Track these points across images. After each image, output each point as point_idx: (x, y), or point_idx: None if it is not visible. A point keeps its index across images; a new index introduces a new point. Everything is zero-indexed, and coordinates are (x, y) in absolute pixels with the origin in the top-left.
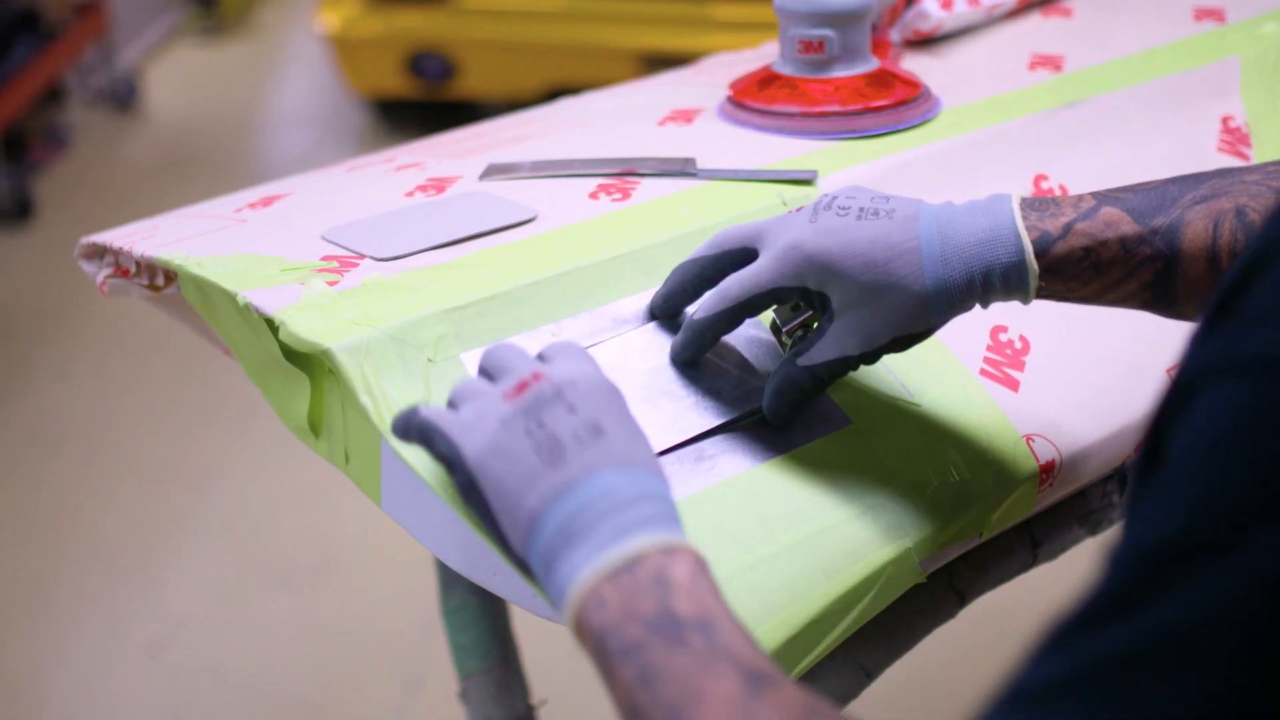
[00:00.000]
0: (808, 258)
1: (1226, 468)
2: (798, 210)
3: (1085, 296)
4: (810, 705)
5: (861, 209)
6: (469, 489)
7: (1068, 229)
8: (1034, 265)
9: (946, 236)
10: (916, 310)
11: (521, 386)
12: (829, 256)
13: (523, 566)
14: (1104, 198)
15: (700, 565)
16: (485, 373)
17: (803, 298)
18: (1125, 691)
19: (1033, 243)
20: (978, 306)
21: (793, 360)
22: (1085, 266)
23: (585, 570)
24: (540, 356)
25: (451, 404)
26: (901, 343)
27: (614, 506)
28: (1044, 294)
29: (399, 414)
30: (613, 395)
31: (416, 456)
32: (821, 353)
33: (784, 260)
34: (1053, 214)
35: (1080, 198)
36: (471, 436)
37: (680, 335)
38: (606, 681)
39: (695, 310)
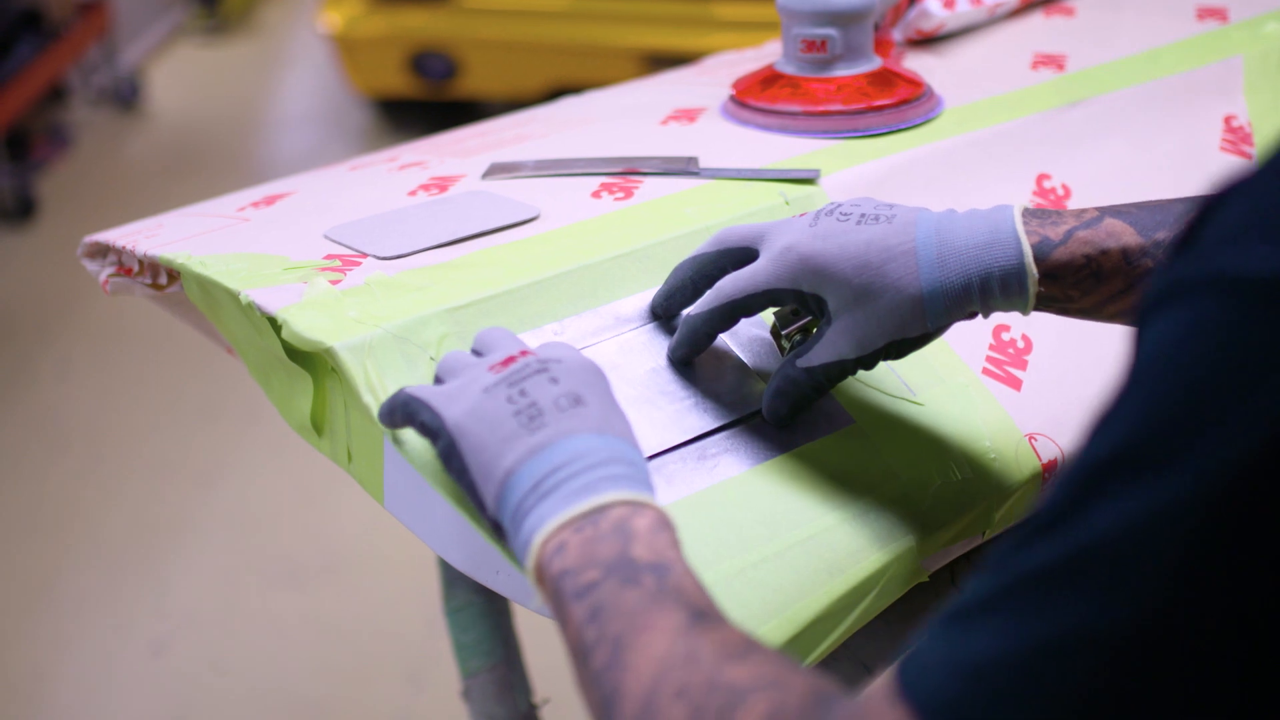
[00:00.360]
0: (802, 260)
1: (1167, 384)
2: (802, 215)
3: (1086, 308)
4: (749, 642)
5: (863, 215)
6: (449, 453)
7: (1069, 235)
8: (1033, 270)
9: (944, 240)
10: (911, 313)
11: (508, 360)
12: (823, 259)
13: (496, 528)
14: (1108, 210)
15: (662, 519)
16: (476, 352)
17: (798, 301)
18: (1051, 604)
19: (1033, 247)
20: (979, 316)
21: (792, 362)
22: (1086, 275)
23: (550, 519)
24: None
25: (438, 379)
26: (899, 347)
27: (586, 467)
28: (1044, 303)
29: (383, 402)
30: (596, 374)
31: (419, 455)
32: (818, 355)
33: (779, 262)
34: (1054, 221)
35: (1084, 209)
36: (453, 404)
37: (676, 334)
38: (561, 624)
39: (691, 308)
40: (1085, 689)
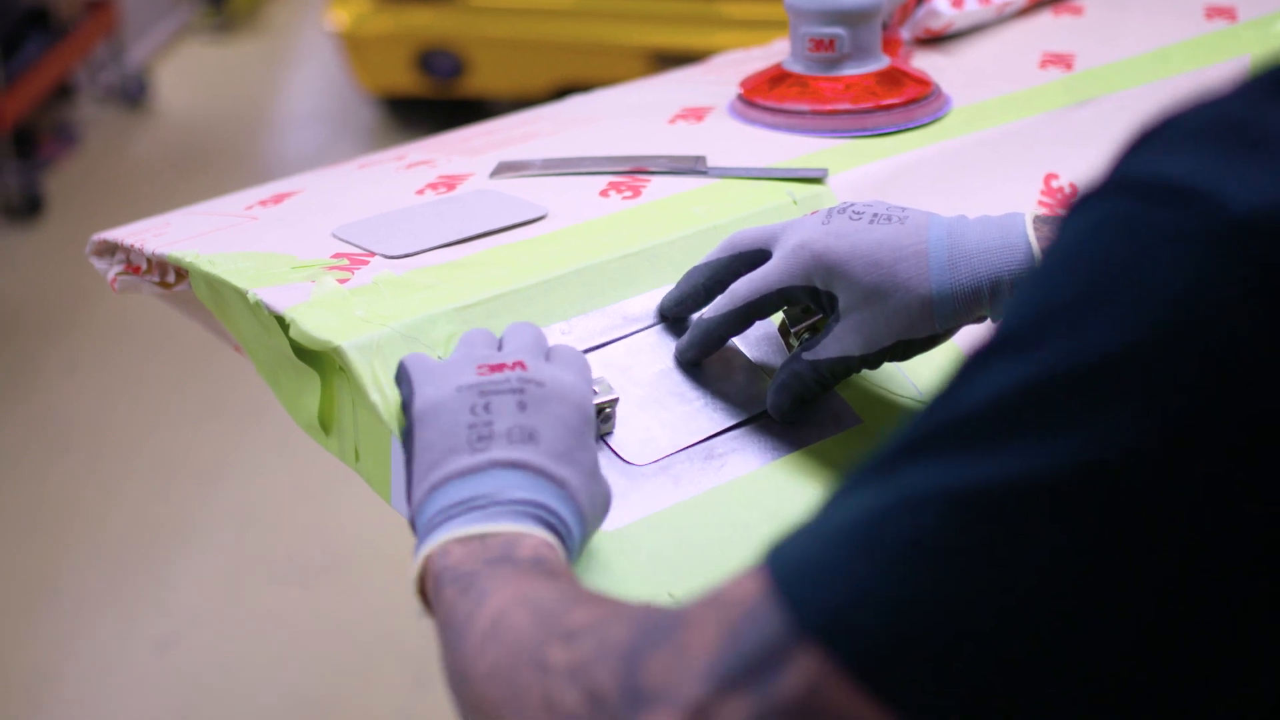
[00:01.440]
0: (816, 256)
1: (1061, 273)
2: (814, 213)
3: None
4: (597, 594)
5: (875, 215)
6: (407, 434)
7: None
8: None
9: (955, 243)
10: (919, 314)
11: (498, 367)
12: (836, 256)
13: (410, 521)
14: None
15: (549, 543)
16: (501, 340)
17: (810, 298)
18: (908, 471)
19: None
20: (989, 321)
21: (799, 355)
22: None
23: (441, 533)
24: (548, 353)
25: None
26: (905, 348)
27: (502, 501)
28: None
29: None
30: (573, 409)
31: None
32: (825, 350)
33: (792, 259)
34: None
35: None
36: (428, 387)
37: (687, 335)
38: (435, 613)
39: (705, 310)
40: (930, 540)
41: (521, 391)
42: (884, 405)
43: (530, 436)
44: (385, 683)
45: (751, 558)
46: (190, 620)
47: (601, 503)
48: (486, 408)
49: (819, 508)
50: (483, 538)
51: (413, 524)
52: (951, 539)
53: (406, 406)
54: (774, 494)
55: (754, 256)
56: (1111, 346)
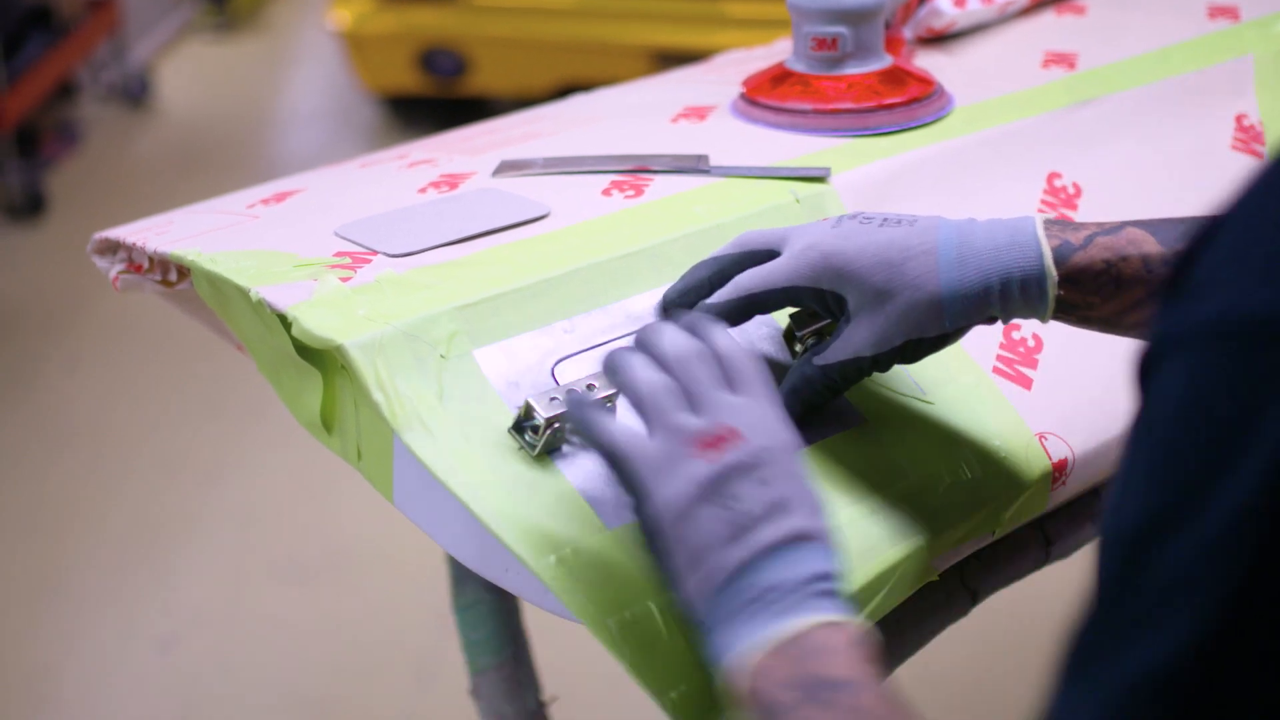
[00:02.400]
0: (824, 257)
1: (1174, 442)
2: (824, 219)
3: (1106, 316)
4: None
5: (885, 219)
6: (653, 533)
7: (1089, 240)
8: (1053, 272)
9: (965, 241)
10: (929, 313)
11: (717, 442)
12: (844, 257)
13: (691, 614)
14: (1130, 221)
15: (857, 636)
16: (659, 360)
17: (817, 302)
18: (1117, 668)
19: (1053, 250)
20: (999, 321)
21: (809, 359)
22: (1105, 280)
23: (755, 644)
24: (721, 365)
25: (619, 391)
26: (915, 348)
27: (790, 589)
28: (1065, 311)
29: (580, 401)
30: (794, 458)
31: (429, 454)
32: (835, 353)
33: (800, 259)
34: (1075, 228)
35: (1105, 222)
36: (661, 483)
37: (688, 314)
38: None
39: (707, 300)
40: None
41: (756, 468)
42: (887, 404)
43: (784, 509)
44: (387, 682)
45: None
46: (191, 619)
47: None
48: (735, 497)
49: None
50: (796, 642)
51: (690, 614)
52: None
53: (639, 500)
54: None
55: (762, 256)
56: (1260, 487)
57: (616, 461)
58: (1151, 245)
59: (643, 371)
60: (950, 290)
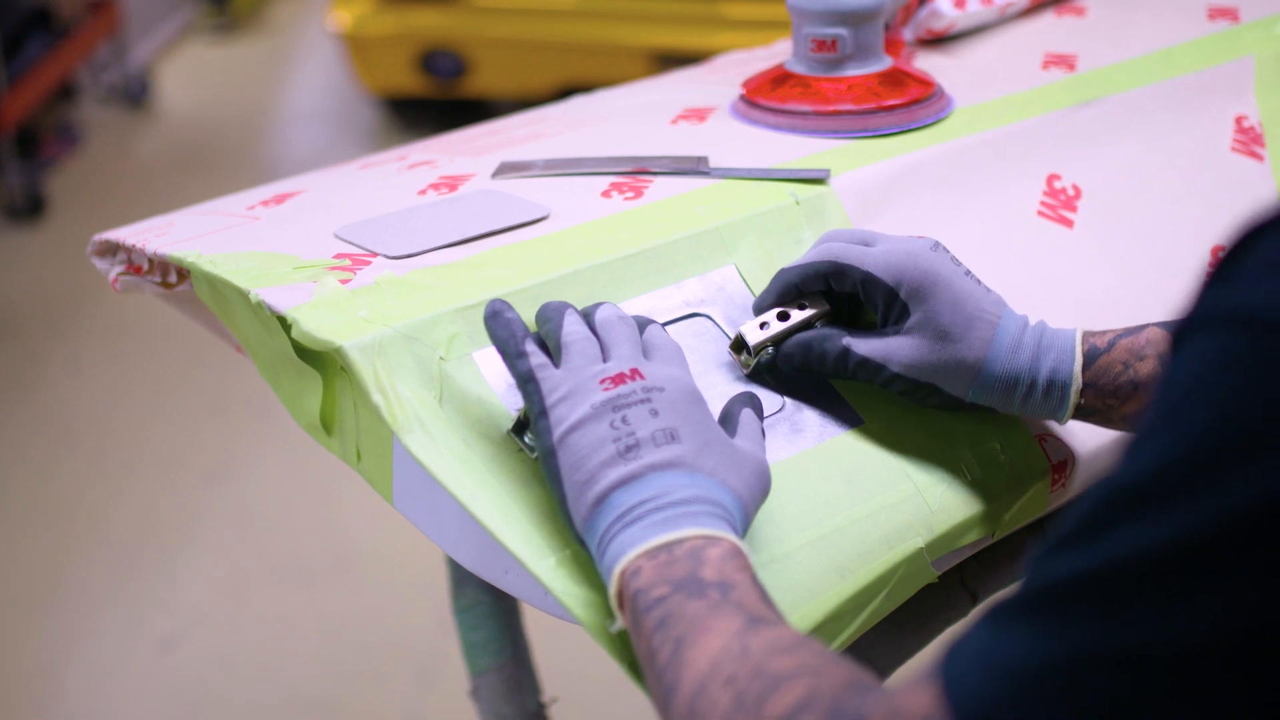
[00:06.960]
0: (922, 270)
1: (1198, 414)
2: (920, 237)
3: (1127, 415)
4: (799, 638)
5: (969, 272)
6: (549, 455)
7: (1112, 344)
8: (1079, 379)
9: (1022, 330)
10: (962, 375)
11: (619, 378)
12: (936, 279)
13: (579, 538)
14: (1157, 323)
15: (734, 549)
16: (591, 327)
17: (882, 298)
18: (1076, 618)
19: (1083, 355)
20: (1008, 410)
21: (840, 333)
22: (1124, 381)
23: (631, 549)
24: (642, 334)
25: (550, 346)
26: (929, 394)
27: (669, 503)
28: (1087, 414)
29: (503, 314)
30: (695, 403)
31: (428, 456)
32: (870, 349)
33: (895, 256)
34: (1100, 334)
35: (1130, 326)
36: (561, 408)
37: (767, 287)
38: (634, 639)
39: (795, 262)
40: (1105, 706)
41: (649, 400)
42: (885, 406)
43: (673, 437)
44: (389, 682)
45: (762, 558)
46: (193, 620)
47: (751, 476)
48: (624, 420)
49: (989, 625)
50: (669, 548)
51: (580, 539)
52: (1125, 712)
53: (539, 420)
54: (776, 494)
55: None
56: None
57: (524, 382)
58: (1169, 346)
59: (572, 324)
60: (989, 368)
